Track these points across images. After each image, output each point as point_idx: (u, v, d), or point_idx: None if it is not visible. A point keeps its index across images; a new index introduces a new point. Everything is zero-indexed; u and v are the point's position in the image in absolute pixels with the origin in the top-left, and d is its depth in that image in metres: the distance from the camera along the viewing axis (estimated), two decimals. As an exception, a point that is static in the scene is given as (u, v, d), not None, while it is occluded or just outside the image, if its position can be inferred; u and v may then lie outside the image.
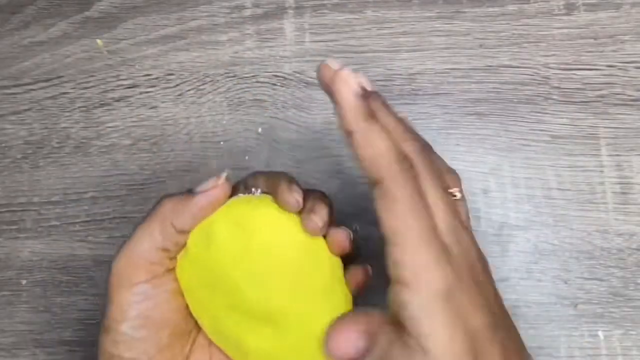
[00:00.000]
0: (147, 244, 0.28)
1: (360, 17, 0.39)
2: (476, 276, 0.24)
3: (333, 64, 0.24)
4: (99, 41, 0.41)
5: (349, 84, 0.24)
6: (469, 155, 0.37)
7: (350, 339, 0.23)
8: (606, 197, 0.36)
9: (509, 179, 0.36)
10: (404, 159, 0.23)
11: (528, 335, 0.35)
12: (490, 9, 0.39)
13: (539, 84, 0.37)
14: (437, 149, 0.37)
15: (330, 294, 0.27)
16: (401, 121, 0.25)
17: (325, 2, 0.40)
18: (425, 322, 0.21)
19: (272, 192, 0.28)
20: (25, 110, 0.40)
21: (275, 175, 0.28)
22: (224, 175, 0.28)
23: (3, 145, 0.40)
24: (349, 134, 0.24)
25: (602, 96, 0.37)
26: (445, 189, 0.25)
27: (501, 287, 0.35)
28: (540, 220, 0.36)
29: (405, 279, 0.22)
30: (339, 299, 0.27)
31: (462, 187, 0.28)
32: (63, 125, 0.40)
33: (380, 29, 0.39)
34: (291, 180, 0.28)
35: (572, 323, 0.35)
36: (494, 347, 0.23)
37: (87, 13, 0.41)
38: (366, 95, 0.24)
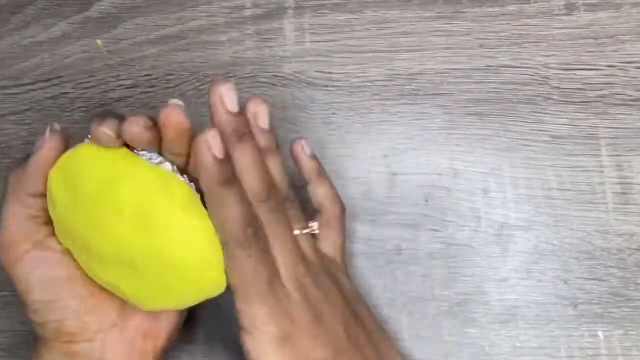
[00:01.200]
0: (13, 218, 0.29)
1: (360, 17, 0.39)
2: (319, 315, 0.27)
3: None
4: (99, 41, 0.41)
5: (210, 146, 0.26)
6: (469, 155, 0.37)
7: None
8: (606, 197, 0.36)
9: (509, 179, 0.36)
10: (249, 225, 0.26)
11: (528, 335, 0.35)
12: (490, 9, 0.39)
13: (539, 84, 0.37)
14: (437, 149, 0.37)
15: (174, 219, 0.26)
16: (259, 166, 0.28)
17: (325, 2, 0.40)
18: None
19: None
20: (25, 110, 0.40)
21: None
22: (51, 127, 0.30)
23: (3, 145, 0.40)
24: (206, 195, 0.26)
25: (602, 96, 0.37)
26: (301, 230, 0.29)
27: (501, 287, 0.35)
28: (540, 220, 0.36)
29: (245, 327, 0.26)
30: (189, 222, 0.26)
31: (332, 218, 0.32)
32: (63, 125, 0.40)
33: (380, 29, 0.39)
34: (105, 114, 0.28)
35: (572, 323, 0.35)
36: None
37: (87, 13, 0.41)
38: (225, 159, 0.27)
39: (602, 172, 0.36)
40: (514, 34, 0.38)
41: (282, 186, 0.29)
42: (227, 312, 0.36)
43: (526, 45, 0.38)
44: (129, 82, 0.40)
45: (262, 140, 0.29)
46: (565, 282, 0.35)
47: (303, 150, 0.33)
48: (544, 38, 0.38)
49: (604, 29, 0.38)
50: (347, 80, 0.38)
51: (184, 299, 0.28)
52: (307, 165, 0.32)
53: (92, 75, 0.40)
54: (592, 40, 0.38)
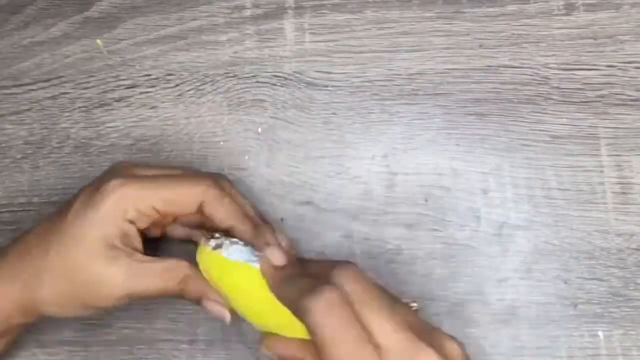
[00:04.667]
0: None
1: (360, 17, 0.39)
2: None
3: None
4: (99, 41, 0.41)
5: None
6: (469, 155, 0.37)
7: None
8: (606, 197, 0.36)
9: (509, 179, 0.36)
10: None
11: (528, 335, 0.35)
12: (490, 9, 0.39)
13: (539, 84, 0.37)
14: (437, 149, 0.37)
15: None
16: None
17: (325, 2, 0.40)
18: None
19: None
20: (25, 110, 0.40)
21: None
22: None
23: (3, 145, 0.40)
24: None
25: (602, 96, 0.37)
26: None
27: (501, 287, 0.35)
28: (540, 220, 0.36)
29: None
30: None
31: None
32: (63, 125, 0.40)
33: (380, 29, 0.39)
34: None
35: (572, 323, 0.35)
36: None
37: (87, 13, 0.41)
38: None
39: (602, 172, 0.36)
40: (513, 34, 0.38)
41: None
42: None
43: (526, 45, 0.38)
44: (129, 82, 0.40)
45: None
46: (565, 282, 0.35)
47: None
48: (544, 38, 0.38)
49: (603, 29, 0.38)
50: (347, 80, 0.38)
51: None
52: None
53: (92, 75, 0.40)
54: (591, 41, 0.38)
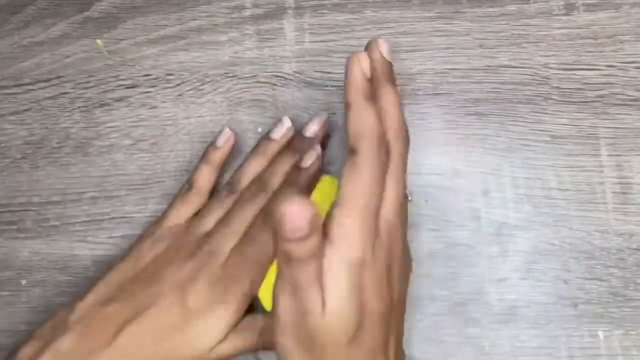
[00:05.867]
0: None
1: (360, 17, 0.39)
2: (389, 269, 0.27)
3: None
4: (98, 41, 0.41)
5: (361, 65, 0.28)
6: (469, 155, 0.37)
7: (303, 218, 0.23)
8: (606, 197, 0.36)
9: (509, 179, 0.36)
10: (381, 144, 0.27)
11: (528, 336, 0.35)
12: (490, 9, 0.39)
13: (539, 84, 0.37)
14: (437, 149, 0.37)
15: None
16: (398, 111, 0.29)
17: (325, 2, 0.40)
18: (329, 277, 0.24)
19: None
20: (25, 110, 0.40)
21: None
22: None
23: (3, 145, 0.40)
24: (347, 106, 0.28)
25: (602, 96, 0.37)
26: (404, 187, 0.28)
27: (501, 287, 0.35)
28: (540, 220, 0.36)
29: (331, 235, 0.25)
30: None
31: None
32: (63, 125, 0.40)
33: (380, 29, 0.39)
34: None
35: (572, 323, 0.35)
36: (379, 332, 0.26)
37: (87, 13, 0.41)
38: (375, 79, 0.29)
39: (601, 172, 0.36)
40: (513, 34, 0.38)
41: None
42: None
43: (526, 45, 0.38)
44: (129, 82, 0.40)
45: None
46: (565, 282, 0.35)
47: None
48: (544, 38, 0.38)
49: (603, 29, 0.38)
50: (347, 80, 0.38)
51: None
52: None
53: (92, 75, 0.40)
54: (591, 41, 0.38)
